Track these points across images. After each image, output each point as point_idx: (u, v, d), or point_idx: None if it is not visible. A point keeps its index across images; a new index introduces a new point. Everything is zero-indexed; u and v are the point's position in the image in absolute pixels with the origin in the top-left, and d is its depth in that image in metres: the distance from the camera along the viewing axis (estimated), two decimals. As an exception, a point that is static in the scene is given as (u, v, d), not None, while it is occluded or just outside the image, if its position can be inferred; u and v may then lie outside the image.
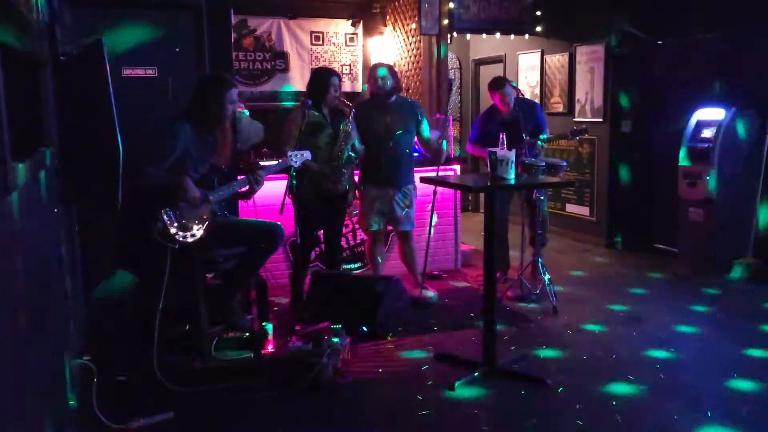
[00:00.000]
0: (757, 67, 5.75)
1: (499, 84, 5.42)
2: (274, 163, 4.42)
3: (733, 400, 3.43)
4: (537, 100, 7.39)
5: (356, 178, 5.03)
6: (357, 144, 4.79)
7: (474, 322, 4.59)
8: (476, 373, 3.70)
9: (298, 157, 4.21)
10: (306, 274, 4.81)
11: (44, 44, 2.88)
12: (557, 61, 7.58)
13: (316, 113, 4.64)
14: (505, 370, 3.78)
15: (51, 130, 2.87)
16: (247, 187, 3.99)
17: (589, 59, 7.11)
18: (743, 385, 3.60)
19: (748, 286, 5.45)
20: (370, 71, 5.07)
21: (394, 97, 4.97)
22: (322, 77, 4.72)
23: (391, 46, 7.42)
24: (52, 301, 2.63)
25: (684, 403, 3.38)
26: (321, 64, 7.40)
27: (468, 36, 8.87)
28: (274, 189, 4.78)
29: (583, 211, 7.41)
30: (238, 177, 4.03)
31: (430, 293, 5.20)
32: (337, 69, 7.56)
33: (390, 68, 5.06)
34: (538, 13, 7.29)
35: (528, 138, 5.13)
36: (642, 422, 3.22)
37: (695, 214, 5.95)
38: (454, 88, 9.53)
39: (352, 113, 4.73)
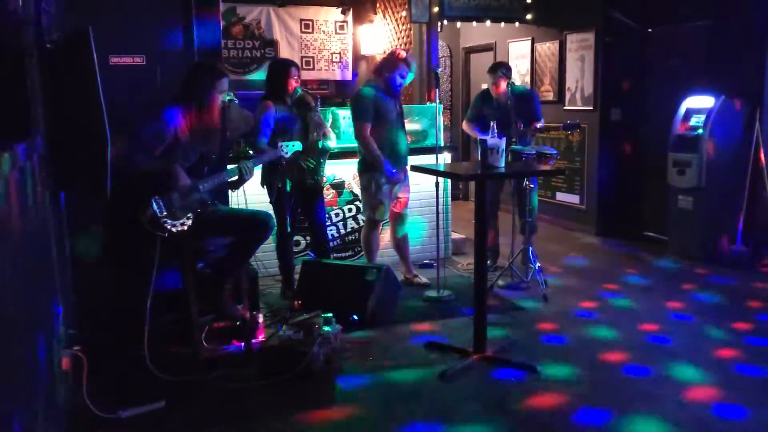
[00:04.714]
0: (746, 55, 5.76)
1: (490, 68, 5.55)
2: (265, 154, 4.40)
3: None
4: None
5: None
6: (330, 134, 4.80)
7: (464, 310, 4.61)
8: (467, 361, 3.71)
9: (290, 147, 4.20)
10: (293, 261, 4.83)
11: (29, 31, 2.85)
12: (548, 49, 7.58)
13: (283, 108, 4.63)
14: (495, 357, 3.80)
15: (38, 118, 2.84)
16: (237, 177, 3.97)
17: (580, 47, 7.11)
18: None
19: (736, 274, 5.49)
20: (404, 65, 4.87)
21: None
22: (281, 69, 4.69)
23: (381, 34, 7.39)
24: (41, 290, 2.62)
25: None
26: (311, 53, 7.37)
27: (458, 24, 8.83)
28: (264, 178, 4.75)
29: (573, 199, 7.42)
30: (228, 166, 4.01)
31: (423, 280, 5.28)
32: (327, 57, 7.55)
33: None
34: (529, 0, 7.27)
35: (522, 126, 5.17)
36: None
37: (684, 201, 5.98)
38: (445, 77, 9.50)
39: (317, 101, 4.70)
